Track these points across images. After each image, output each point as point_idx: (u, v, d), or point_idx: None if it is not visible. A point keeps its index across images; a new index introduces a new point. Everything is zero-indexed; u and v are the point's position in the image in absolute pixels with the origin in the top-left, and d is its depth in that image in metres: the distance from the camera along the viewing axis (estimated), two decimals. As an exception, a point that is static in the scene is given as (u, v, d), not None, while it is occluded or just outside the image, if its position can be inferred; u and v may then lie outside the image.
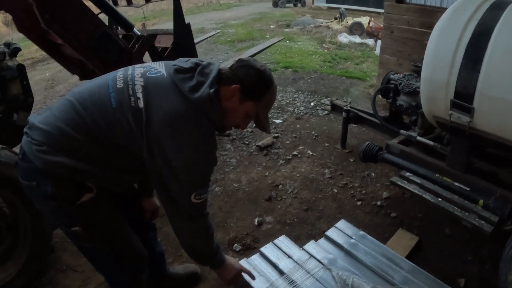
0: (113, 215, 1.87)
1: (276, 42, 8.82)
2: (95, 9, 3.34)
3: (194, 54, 3.91)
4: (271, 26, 16.32)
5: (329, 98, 6.31)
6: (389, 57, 5.98)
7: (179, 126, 1.59)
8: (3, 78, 3.00)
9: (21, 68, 3.14)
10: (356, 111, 4.24)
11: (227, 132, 1.84)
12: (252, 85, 1.71)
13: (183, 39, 3.85)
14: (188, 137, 1.60)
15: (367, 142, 3.37)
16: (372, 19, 14.27)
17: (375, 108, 3.64)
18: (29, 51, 11.48)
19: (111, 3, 3.67)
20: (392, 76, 3.62)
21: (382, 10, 7.78)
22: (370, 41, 11.91)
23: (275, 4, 27.52)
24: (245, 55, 6.00)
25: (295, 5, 27.87)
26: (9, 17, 3.69)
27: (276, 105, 6.15)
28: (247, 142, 4.80)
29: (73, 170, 1.63)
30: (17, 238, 2.62)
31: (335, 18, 17.90)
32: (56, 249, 2.88)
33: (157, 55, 3.75)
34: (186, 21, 3.86)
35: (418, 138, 3.10)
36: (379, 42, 9.92)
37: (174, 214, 1.78)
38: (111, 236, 1.87)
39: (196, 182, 1.69)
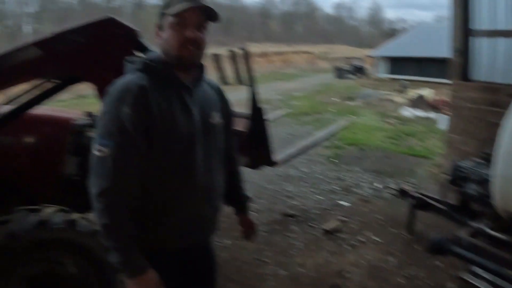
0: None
1: (343, 126, 9.06)
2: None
3: (267, 140, 3.74)
4: (335, 99, 16.61)
5: (394, 179, 6.30)
6: (456, 136, 5.92)
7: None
8: (84, 146, 3.24)
9: None
10: (425, 198, 4.19)
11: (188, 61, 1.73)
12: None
13: (257, 124, 3.65)
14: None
15: (435, 234, 3.30)
16: (435, 91, 14.28)
17: (444, 196, 3.61)
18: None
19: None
20: (461, 164, 3.60)
21: (444, 80, 7.70)
22: (433, 115, 11.85)
23: (338, 75, 28.16)
24: (314, 139, 6.10)
25: (357, 76, 28.39)
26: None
27: (342, 186, 6.26)
28: (312, 225, 4.81)
29: None
30: None
31: (397, 90, 18.03)
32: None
33: None
34: None
35: (491, 232, 3.03)
36: (442, 116, 9.87)
37: None
38: None
39: (100, 131, 1.60)
